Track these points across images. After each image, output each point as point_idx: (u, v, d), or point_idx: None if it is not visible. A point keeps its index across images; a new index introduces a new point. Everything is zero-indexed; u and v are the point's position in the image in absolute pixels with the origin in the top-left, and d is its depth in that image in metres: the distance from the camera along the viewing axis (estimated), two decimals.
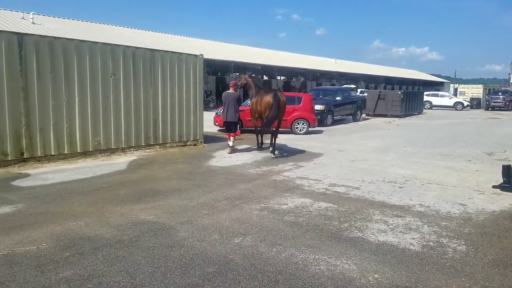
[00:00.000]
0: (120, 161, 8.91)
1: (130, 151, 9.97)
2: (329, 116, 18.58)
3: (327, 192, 6.58)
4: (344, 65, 49.22)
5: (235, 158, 9.62)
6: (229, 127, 10.51)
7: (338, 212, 5.50)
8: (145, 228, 4.74)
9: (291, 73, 42.64)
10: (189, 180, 7.27)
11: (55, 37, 9.12)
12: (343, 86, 33.88)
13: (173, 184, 6.90)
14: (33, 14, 23.34)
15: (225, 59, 30.24)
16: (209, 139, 12.59)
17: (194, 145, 11.54)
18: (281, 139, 13.41)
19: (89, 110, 9.21)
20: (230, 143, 10.34)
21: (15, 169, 7.70)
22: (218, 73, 36.47)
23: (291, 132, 14.97)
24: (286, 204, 5.82)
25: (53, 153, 8.62)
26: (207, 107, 20.64)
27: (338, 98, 20.07)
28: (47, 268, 3.64)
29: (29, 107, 8.23)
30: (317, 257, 4.05)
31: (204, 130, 12.16)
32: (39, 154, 8.41)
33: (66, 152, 8.84)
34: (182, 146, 11.25)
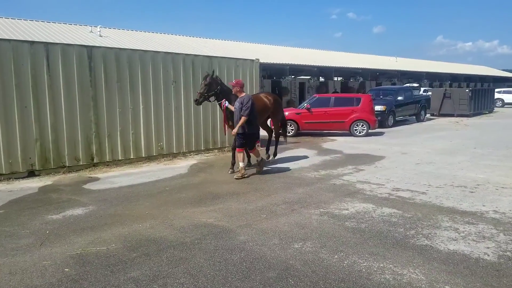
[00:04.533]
0: (182, 165, 9.21)
1: (190, 155, 10.29)
2: (390, 117, 17.87)
3: (391, 197, 6.29)
4: (405, 63, 47.16)
5: (292, 161, 9.54)
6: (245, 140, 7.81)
7: (403, 219, 5.23)
8: (206, 230, 4.83)
9: (348, 73, 41.66)
10: (247, 183, 7.32)
11: (120, 49, 9.68)
12: (404, 85, 32.43)
13: (232, 188, 6.99)
14: (100, 27, 24.97)
15: (280, 62, 30.25)
16: (264, 142, 12.61)
17: None
18: (339, 141, 13.15)
19: (152, 117, 9.65)
20: (242, 164, 7.73)
21: (86, 173, 8.25)
22: (273, 77, 36.61)
23: (350, 134, 14.59)
24: (347, 209, 5.65)
25: (120, 158, 9.13)
26: None
27: (399, 98, 19.25)
28: (116, 268, 3.83)
29: (98, 115, 8.79)
30: (381, 265, 3.87)
31: (260, 134, 12.21)
32: (107, 159, 8.94)
33: (132, 157, 9.33)
34: None
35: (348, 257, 4.06)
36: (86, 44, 13.18)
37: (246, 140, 7.74)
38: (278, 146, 10.11)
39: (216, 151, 10.93)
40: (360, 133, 14.52)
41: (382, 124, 16.89)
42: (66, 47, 8.51)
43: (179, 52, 10.65)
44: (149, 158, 9.60)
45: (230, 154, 10.87)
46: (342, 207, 5.77)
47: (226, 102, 8.15)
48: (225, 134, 9.78)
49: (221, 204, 5.98)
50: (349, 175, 7.89)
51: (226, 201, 6.11)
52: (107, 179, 7.70)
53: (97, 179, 7.80)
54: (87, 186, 7.22)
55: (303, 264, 3.90)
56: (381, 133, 15.36)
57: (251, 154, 8.34)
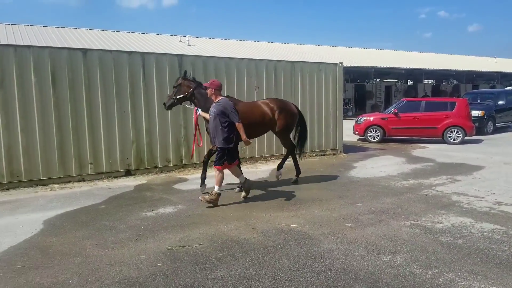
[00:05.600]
0: (263, 169, 9.32)
1: (271, 159, 10.37)
2: (489, 123, 16.29)
3: (492, 211, 5.68)
4: (507, 64, 42.66)
5: (378, 169, 9.12)
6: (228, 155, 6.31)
7: (508, 236, 4.67)
8: (289, 236, 4.79)
9: (440, 76, 38.86)
10: (330, 190, 7.15)
11: (208, 57, 10.12)
12: (506, 88, 29.33)
13: (314, 194, 6.87)
14: (189, 37, 26.49)
15: (365, 65, 29.27)
16: (349, 148, 12.27)
17: (333, 154, 11.38)
18: (431, 149, 12.28)
19: None
20: (217, 188, 6.18)
21: (176, 174, 8.74)
22: (357, 80, 35.53)
23: (443, 141, 13.55)
24: (441, 223, 5.21)
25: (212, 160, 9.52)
26: (345, 116, 20.23)
27: (500, 102, 17.43)
28: (203, 266, 3.96)
29: (187, 120, 9.27)
30: (483, 286, 3.49)
31: (343, 140, 11.91)
32: (194, 161, 9.38)
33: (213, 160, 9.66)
34: (321, 155, 11.21)
35: (444, 274, 3.73)
36: (176, 53, 14.04)
37: (227, 155, 6.18)
38: (362, 152, 9.66)
39: (297, 156, 10.85)
40: (454, 140, 13.41)
41: (480, 131, 15.44)
42: (159, 56, 9.13)
43: (262, 59, 10.85)
44: (255, 159, 9.83)
45: (311, 160, 10.87)
46: (435, 220, 5.34)
47: (199, 110, 6.77)
48: (199, 145, 8.19)
49: (304, 210, 5.90)
50: (443, 186, 7.30)
51: (308, 207, 6.02)
52: (194, 180, 8.06)
53: (185, 180, 8.21)
54: (177, 186, 7.63)
55: (393, 278, 3.67)
56: (479, 141, 14.03)
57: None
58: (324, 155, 11.26)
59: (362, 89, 33.60)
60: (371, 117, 14.90)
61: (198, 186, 7.20)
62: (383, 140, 14.20)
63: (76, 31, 23.89)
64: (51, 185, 7.61)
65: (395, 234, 4.80)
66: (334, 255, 4.19)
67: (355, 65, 27.89)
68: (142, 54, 8.97)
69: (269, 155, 10.51)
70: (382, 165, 9.60)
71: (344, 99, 26.99)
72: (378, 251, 4.29)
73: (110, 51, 8.75)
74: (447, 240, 4.58)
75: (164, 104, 7.16)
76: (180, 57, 9.38)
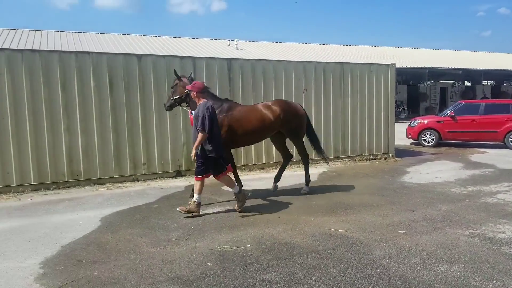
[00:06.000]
0: (311, 172, 9.16)
1: (319, 163, 10.22)
2: None
3: None
4: None
5: (433, 174, 8.71)
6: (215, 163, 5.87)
7: None
8: (338, 241, 4.69)
9: (500, 76, 36.50)
10: (381, 195, 6.92)
11: (256, 60, 10.19)
12: None
13: (365, 199, 6.69)
14: (237, 40, 26.87)
15: (419, 66, 28.11)
16: (401, 152, 11.83)
17: (385, 158, 11.02)
18: (491, 154, 11.55)
19: None
20: (196, 197, 5.82)
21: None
22: (409, 82, 34.22)
23: (504, 146, 12.70)
24: (504, 233, 4.87)
25: (253, 163, 9.59)
26: (398, 118, 19.54)
27: None
28: (252, 267, 3.98)
29: None
30: None
31: (395, 143, 11.50)
32: (242, 163, 9.47)
33: (264, 162, 9.71)
34: (372, 159, 10.89)
35: (507, 287, 3.48)
36: (225, 57, 14.28)
37: (209, 165, 5.75)
38: (415, 157, 9.26)
39: (346, 159, 10.65)
40: None
41: None
42: (209, 60, 9.33)
43: (310, 61, 10.74)
44: (280, 164, 9.80)
45: (362, 163, 10.60)
46: (497, 229, 5.00)
47: (193, 112, 6.19)
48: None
49: (354, 215, 5.75)
50: (505, 193, 6.83)
51: (359, 213, 5.87)
52: (243, 182, 8.12)
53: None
54: (225, 187, 7.71)
55: None
56: None
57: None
58: (375, 159, 10.94)
59: (416, 91, 32.31)
60: (425, 120, 14.29)
61: (246, 188, 7.23)
62: (438, 144, 13.55)
63: (131, 37, 25.04)
64: (107, 184, 8.00)
65: (452, 243, 4.55)
66: (387, 263, 4.05)
67: (408, 66, 26.88)
68: (193, 58, 9.21)
69: (316, 158, 10.36)
70: (438, 171, 9.15)
71: (396, 101, 26.11)
72: (434, 260, 4.08)
73: (163, 56, 9.07)
74: (510, 252, 4.26)
75: (164, 105, 6.99)
76: (230, 61, 9.52)
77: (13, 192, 7.33)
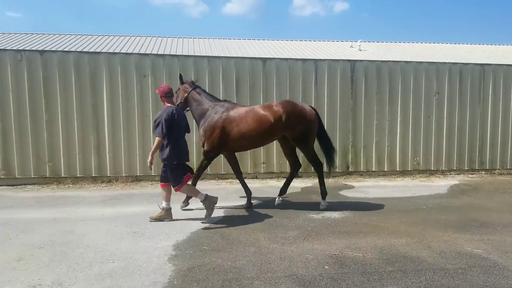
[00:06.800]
0: (440, 184, 8.42)
1: (450, 174, 9.31)
2: None
3: None
4: None
5: None
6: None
7: None
8: (472, 261, 4.18)
9: None
10: None
11: (382, 61, 9.72)
12: None
13: (506, 218, 5.85)
14: (360, 41, 26.04)
15: None
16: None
17: None
18: None
19: (410, 130, 9.27)
20: (164, 204, 5.62)
21: (341, 181, 8.67)
22: None
23: None
24: None
25: (373, 169, 9.18)
26: None
27: None
28: (372, 277, 3.79)
29: (356, 126, 9.11)
30: None
31: None
32: (361, 169, 9.15)
33: (385, 169, 9.22)
34: None
35: None
36: (347, 58, 13.98)
37: (179, 172, 5.42)
38: None
39: (483, 172, 9.48)
40: None
41: None
42: (331, 62, 9.23)
43: (444, 61, 9.82)
44: (403, 173, 9.24)
45: (502, 178, 9.27)
46: None
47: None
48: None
49: (492, 235, 5.07)
50: None
51: (498, 233, 5.15)
52: (361, 188, 7.85)
53: (351, 187, 8.07)
54: (343, 192, 7.56)
55: None
56: None
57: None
58: None
59: None
60: None
61: (365, 195, 6.97)
62: None
63: (255, 41, 26.24)
64: (230, 180, 8.49)
65: None
66: None
67: None
68: (315, 61, 9.22)
69: (447, 169, 9.46)
70: None
71: None
72: None
73: (286, 59, 9.28)
74: None
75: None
76: (353, 62, 9.29)
77: (150, 181, 8.27)
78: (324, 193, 6.30)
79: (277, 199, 6.47)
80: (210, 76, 8.56)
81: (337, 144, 9.02)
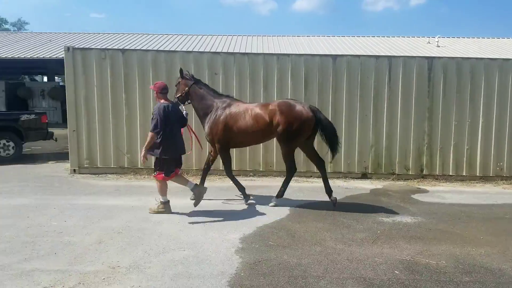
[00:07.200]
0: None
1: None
2: None
3: None
4: None
5: None
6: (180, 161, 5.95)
7: None
8: None
9: None
10: None
11: (463, 58, 9.05)
12: None
13: None
14: (439, 37, 24.48)
15: None
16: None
17: None
18: None
19: (493, 132, 8.55)
20: (162, 199, 5.77)
21: (414, 184, 8.24)
22: None
23: None
24: None
25: (450, 173, 8.60)
26: None
27: None
28: (447, 286, 3.57)
29: (432, 127, 8.59)
30: None
31: None
32: (437, 173, 8.62)
33: (463, 174, 8.60)
34: None
35: None
36: (423, 55, 13.23)
37: (170, 166, 5.62)
38: None
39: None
40: None
41: None
42: (407, 60, 8.78)
43: None
44: (484, 178, 8.54)
45: None
46: None
47: (186, 111, 6.26)
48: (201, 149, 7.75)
49: None
50: None
51: None
52: (436, 193, 7.41)
53: (425, 191, 7.64)
54: (415, 196, 7.18)
55: None
56: None
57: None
58: None
59: None
60: None
61: (440, 200, 6.57)
62: None
63: (324, 38, 25.83)
64: (295, 178, 8.41)
65: None
66: None
67: None
68: (389, 58, 8.85)
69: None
70: None
71: None
72: None
73: (358, 56, 9.03)
74: None
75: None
76: (431, 59, 8.76)
77: (219, 175, 8.52)
78: (281, 194, 6.34)
79: (333, 199, 6.26)
80: (279, 73, 8.58)
81: (410, 145, 8.62)
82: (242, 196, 6.38)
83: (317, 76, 8.59)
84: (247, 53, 8.83)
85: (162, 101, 5.68)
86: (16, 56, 20.34)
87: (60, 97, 21.52)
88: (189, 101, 6.57)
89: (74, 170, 8.62)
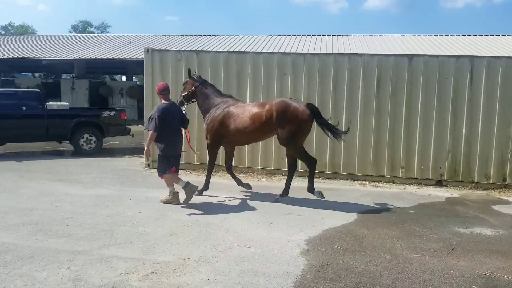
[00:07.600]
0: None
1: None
2: None
3: None
4: None
5: None
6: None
7: None
8: None
9: None
10: None
11: None
12: None
13: None
14: None
15: None
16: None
17: None
18: None
19: None
20: (170, 189, 6.14)
21: (495, 194, 7.60)
22: None
23: None
24: None
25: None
26: None
27: None
28: None
29: None
30: None
31: None
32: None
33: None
34: None
35: None
36: (510, 55, 12.10)
37: (168, 164, 5.98)
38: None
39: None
40: None
41: None
42: (491, 60, 8.12)
43: None
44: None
45: None
46: None
47: (185, 110, 6.58)
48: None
49: None
50: None
51: None
52: None
53: (508, 202, 7.01)
54: (496, 207, 6.62)
55: None
56: None
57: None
58: None
59: None
60: None
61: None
62: None
63: (399, 37, 24.72)
64: (363, 181, 8.21)
65: None
66: None
67: None
68: (472, 58, 8.24)
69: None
70: None
71: None
72: None
73: (437, 56, 8.55)
74: None
75: (177, 101, 6.87)
76: None
77: (284, 175, 8.51)
78: (311, 189, 6.27)
79: (278, 197, 6.46)
80: (350, 73, 8.36)
81: (492, 152, 7.96)
82: (314, 196, 6.31)
83: (390, 77, 8.25)
84: (317, 53, 8.75)
85: (163, 101, 6.08)
86: (100, 57, 22.07)
87: (136, 96, 22.97)
88: (193, 100, 6.95)
89: (148, 164, 9.14)
